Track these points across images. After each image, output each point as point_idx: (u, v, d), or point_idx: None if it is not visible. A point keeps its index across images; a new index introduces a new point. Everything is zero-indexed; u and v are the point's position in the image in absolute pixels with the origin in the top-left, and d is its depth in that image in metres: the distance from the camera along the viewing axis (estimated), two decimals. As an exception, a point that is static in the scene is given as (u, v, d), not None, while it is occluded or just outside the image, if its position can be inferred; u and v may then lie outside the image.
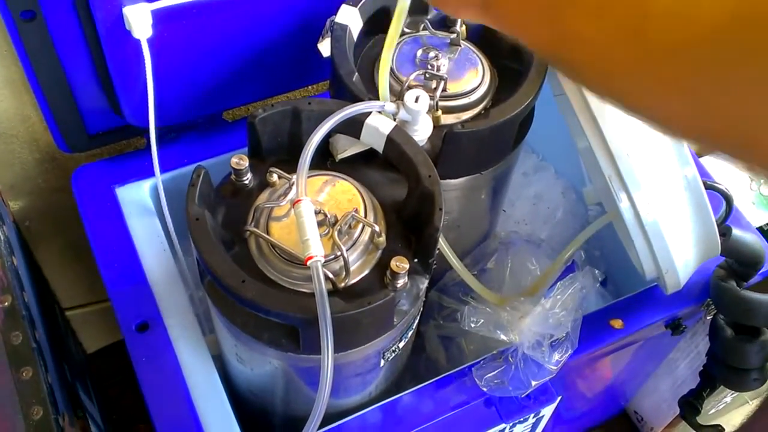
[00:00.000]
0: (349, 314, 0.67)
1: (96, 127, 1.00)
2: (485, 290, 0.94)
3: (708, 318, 1.05)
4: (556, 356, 0.89)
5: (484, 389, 0.89)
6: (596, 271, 0.95)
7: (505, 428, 0.94)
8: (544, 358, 0.88)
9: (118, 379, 1.51)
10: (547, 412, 0.97)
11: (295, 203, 0.69)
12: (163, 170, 0.96)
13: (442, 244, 0.87)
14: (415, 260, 0.74)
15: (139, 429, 1.46)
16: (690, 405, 1.08)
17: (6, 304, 0.81)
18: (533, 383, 0.88)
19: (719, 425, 1.07)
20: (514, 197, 1.27)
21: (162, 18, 0.85)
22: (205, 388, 0.86)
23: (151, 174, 0.97)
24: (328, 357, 0.64)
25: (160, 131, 0.93)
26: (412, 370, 1.03)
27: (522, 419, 0.94)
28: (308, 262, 0.66)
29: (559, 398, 0.94)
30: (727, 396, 1.29)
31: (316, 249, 0.67)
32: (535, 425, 1.01)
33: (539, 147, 1.33)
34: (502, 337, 0.91)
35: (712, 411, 1.32)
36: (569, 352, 0.89)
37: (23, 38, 0.84)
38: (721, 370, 1.02)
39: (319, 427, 0.69)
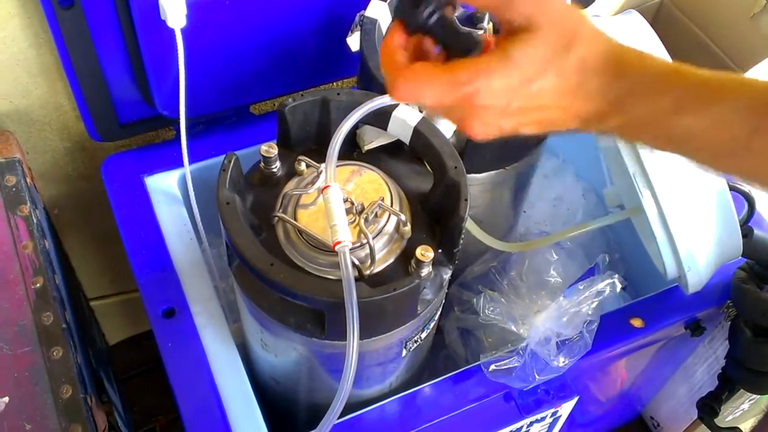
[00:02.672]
0: (375, 300, 0.68)
1: (127, 117, 1.02)
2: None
3: (727, 321, 1.05)
4: (564, 357, 0.89)
5: (489, 376, 0.89)
6: (617, 276, 0.96)
7: (522, 427, 0.95)
8: (549, 356, 0.89)
9: (138, 372, 1.54)
10: (565, 411, 0.98)
11: (323, 189, 0.71)
12: (191, 161, 0.98)
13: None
14: (440, 250, 0.75)
15: (158, 420, 1.47)
16: (708, 406, 1.08)
17: (38, 285, 0.83)
18: (537, 377, 0.89)
19: (737, 427, 1.07)
20: (535, 198, 1.28)
21: (196, 8, 0.86)
22: (229, 373, 0.87)
23: (180, 164, 0.99)
24: (353, 341, 0.66)
25: (189, 122, 0.95)
26: (430, 367, 1.04)
27: (540, 417, 0.94)
28: (336, 247, 0.67)
29: (577, 398, 0.94)
30: (745, 403, 1.28)
31: (343, 234, 0.68)
32: (551, 426, 1.02)
33: (560, 149, 1.34)
34: (513, 328, 0.92)
35: (729, 418, 1.32)
36: (580, 354, 0.90)
37: (61, 25, 0.86)
38: (740, 373, 1.02)
39: (339, 417, 0.70)
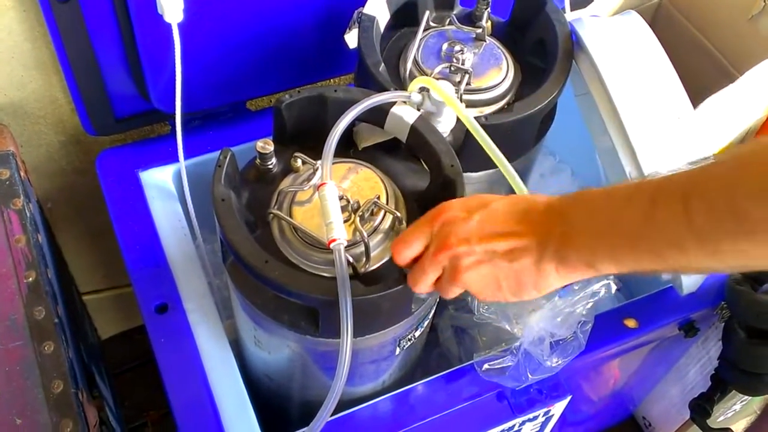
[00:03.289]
0: (369, 298, 0.68)
1: (123, 111, 1.01)
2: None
3: (721, 322, 1.05)
4: (557, 357, 0.89)
5: (482, 375, 0.89)
6: (612, 278, 0.95)
7: (514, 426, 0.95)
8: (542, 356, 0.88)
9: (130, 368, 1.53)
10: (557, 410, 0.98)
11: (319, 186, 0.70)
12: (186, 156, 0.97)
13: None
14: (435, 249, 0.74)
15: (149, 416, 1.47)
16: (701, 408, 1.08)
17: (30, 279, 0.83)
18: (530, 377, 0.89)
19: (729, 428, 1.07)
20: (531, 198, 1.28)
21: (193, 3, 0.86)
22: (222, 370, 0.86)
23: (175, 159, 0.99)
24: (347, 338, 0.65)
25: (185, 117, 0.95)
26: (424, 366, 1.04)
27: (532, 416, 0.94)
28: (331, 245, 0.67)
29: (570, 397, 0.94)
30: (737, 404, 1.29)
31: (338, 232, 0.68)
32: (543, 425, 1.01)
33: (557, 149, 1.34)
34: (507, 327, 0.91)
35: (721, 418, 1.32)
36: (573, 355, 0.89)
37: (57, 19, 0.85)
38: (733, 374, 1.02)
39: (332, 414, 0.70)
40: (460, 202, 0.67)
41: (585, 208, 0.60)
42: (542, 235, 0.62)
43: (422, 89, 0.80)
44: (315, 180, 0.75)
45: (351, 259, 0.71)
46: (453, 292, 0.68)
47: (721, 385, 1.07)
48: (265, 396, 0.93)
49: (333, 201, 0.70)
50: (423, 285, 0.68)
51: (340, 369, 0.66)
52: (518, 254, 0.63)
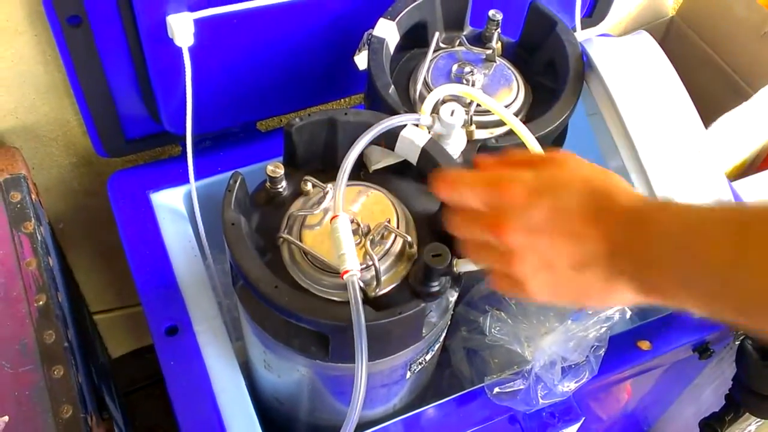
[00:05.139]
0: (380, 323, 0.68)
1: (133, 133, 1.02)
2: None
3: (736, 343, 1.04)
4: (569, 381, 0.88)
5: (493, 399, 0.89)
6: None
7: (526, 448, 0.94)
8: (553, 381, 0.88)
9: (141, 386, 1.53)
10: (570, 432, 0.97)
11: (332, 219, 0.70)
12: (197, 178, 0.97)
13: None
14: (446, 273, 0.74)
15: (159, 435, 1.47)
16: (710, 428, 1.07)
17: (41, 303, 0.83)
18: (542, 401, 0.88)
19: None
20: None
21: (203, 27, 0.86)
22: (231, 393, 0.86)
23: (186, 181, 0.99)
24: (361, 373, 0.65)
25: (196, 139, 0.95)
26: (435, 387, 1.03)
27: (544, 439, 0.93)
28: (344, 276, 0.67)
29: (583, 419, 0.94)
30: (752, 425, 1.27)
31: (352, 263, 0.67)
32: (555, 447, 1.01)
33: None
34: (518, 350, 0.91)
35: (736, 440, 1.31)
36: (585, 379, 0.89)
37: (68, 43, 0.86)
38: (745, 396, 1.01)
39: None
40: (530, 175, 0.59)
41: (670, 233, 0.52)
42: (617, 246, 0.54)
43: (431, 112, 0.80)
44: (325, 203, 0.75)
45: (361, 284, 0.71)
46: (505, 285, 0.63)
47: (733, 405, 1.06)
48: (275, 419, 0.92)
49: (346, 233, 0.69)
50: (466, 244, 0.66)
51: (355, 399, 0.65)
52: (586, 264, 0.56)
